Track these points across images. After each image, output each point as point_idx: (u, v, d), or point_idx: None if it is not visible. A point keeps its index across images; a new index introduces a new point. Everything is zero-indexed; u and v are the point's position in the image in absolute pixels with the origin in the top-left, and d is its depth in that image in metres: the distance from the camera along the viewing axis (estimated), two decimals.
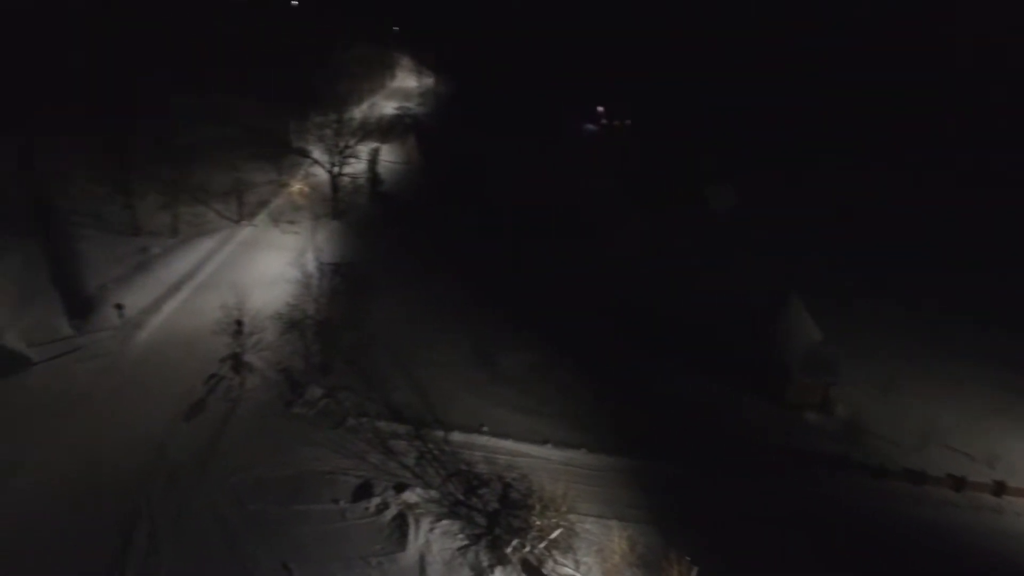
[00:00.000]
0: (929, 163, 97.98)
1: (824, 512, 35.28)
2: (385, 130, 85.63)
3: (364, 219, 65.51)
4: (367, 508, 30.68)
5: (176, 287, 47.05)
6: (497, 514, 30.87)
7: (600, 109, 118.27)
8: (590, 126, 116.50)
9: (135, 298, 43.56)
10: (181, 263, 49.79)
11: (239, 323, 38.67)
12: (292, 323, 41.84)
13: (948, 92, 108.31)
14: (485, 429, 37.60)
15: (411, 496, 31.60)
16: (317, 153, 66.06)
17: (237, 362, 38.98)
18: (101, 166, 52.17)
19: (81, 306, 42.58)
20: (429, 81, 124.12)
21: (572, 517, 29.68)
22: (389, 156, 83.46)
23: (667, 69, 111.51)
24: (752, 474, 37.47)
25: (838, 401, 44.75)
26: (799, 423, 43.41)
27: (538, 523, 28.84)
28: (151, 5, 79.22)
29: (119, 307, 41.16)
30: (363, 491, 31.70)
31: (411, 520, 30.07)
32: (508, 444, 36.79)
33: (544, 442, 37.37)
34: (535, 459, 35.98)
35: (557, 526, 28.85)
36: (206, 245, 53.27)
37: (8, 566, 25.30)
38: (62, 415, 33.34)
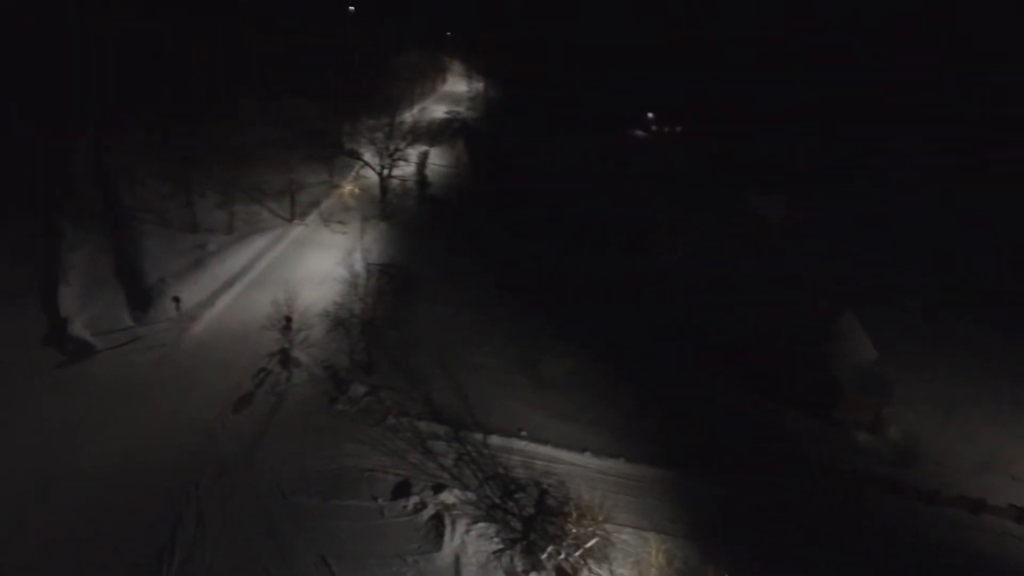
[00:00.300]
0: (996, 164, 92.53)
1: (871, 535, 33.97)
2: (435, 134, 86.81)
3: (412, 221, 66.45)
4: (405, 507, 31.08)
5: (230, 283, 48.65)
6: (533, 519, 30.83)
7: (650, 115, 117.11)
8: (639, 132, 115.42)
9: (191, 292, 45.23)
10: (235, 260, 51.47)
11: (288, 319, 39.75)
12: (339, 321, 42.78)
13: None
14: (524, 434, 37.59)
15: (448, 497, 31.86)
16: (368, 156, 67.38)
17: (285, 357, 40.11)
18: (166, 165, 54.50)
19: (141, 298, 44.44)
20: (479, 86, 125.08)
21: (609, 527, 29.41)
22: (438, 159, 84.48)
23: (719, 74, 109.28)
24: (796, 492, 36.36)
25: (891, 422, 43.04)
26: (848, 442, 41.91)
27: (574, 531, 28.68)
28: (217, 14, 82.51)
29: (176, 300, 42.83)
30: (402, 490, 32.15)
31: (448, 521, 30.32)
32: (546, 450, 36.68)
33: (583, 449, 37.12)
34: (573, 466, 35.78)
35: (593, 535, 28.62)
36: (259, 243, 54.96)
37: (69, 540, 26.64)
38: (122, 401, 34.92)
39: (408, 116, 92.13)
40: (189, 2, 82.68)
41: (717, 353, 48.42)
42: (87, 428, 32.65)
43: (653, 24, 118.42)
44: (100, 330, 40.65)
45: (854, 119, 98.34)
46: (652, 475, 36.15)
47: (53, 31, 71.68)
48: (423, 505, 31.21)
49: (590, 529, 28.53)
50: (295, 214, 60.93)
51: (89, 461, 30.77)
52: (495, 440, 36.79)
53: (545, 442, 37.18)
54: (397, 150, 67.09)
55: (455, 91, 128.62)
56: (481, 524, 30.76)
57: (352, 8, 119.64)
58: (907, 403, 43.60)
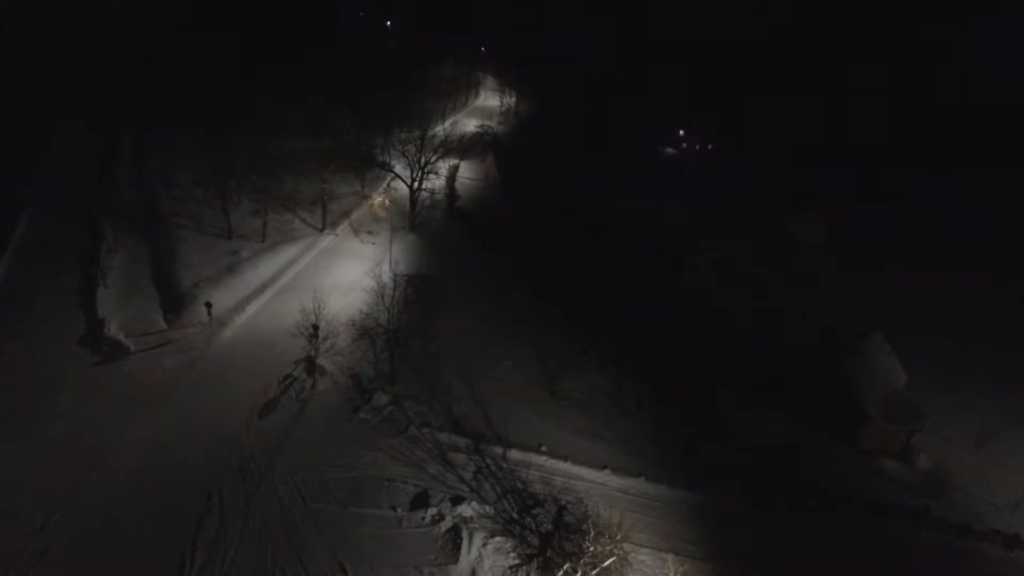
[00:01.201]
0: None
1: (897, 568, 32.94)
2: (465, 147, 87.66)
3: (440, 233, 67.16)
4: (423, 517, 31.21)
5: (261, 289, 49.70)
6: (550, 536, 30.63)
7: (681, 132, 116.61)
8: (670, 149, 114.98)
9: (223, 297, 46.28)
10: (267, 267, 52.59)
11: (315, 327, 40.41)
12: (364, 330, 43.37)
13: None
14: (544, 449, 37.51)
15: (467, 510, 31.91)
16: (399, 168, 68.43)
17: (310, 365, 40.76)
18: (203, 172, 56.14)
19: (175, 302, 45.62)
20: (511, 100, 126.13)
21: (627, 546, 29.04)
22: (468, 173, 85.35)
23: (754, 89, 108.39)
24: (820, 519, 35.54)
25: (921, 450, 41.81)
26: (874, 470, 40.87)
27: (591, 549, 28.38)
28: (255, 25, 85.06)
29: (208, 305, 43.79)
30: (420, 500, 32.32)
31: (465, 534, 30.35)
32: (566, 466, 36.54)
33: (602, 467, 36.87)
34: (592, 483, 35.58)
35: (611, 554, 28.27)
36: (291, 251, 56.09)
37: (95, 537, 27.32)
38: (152, 402, 35.83)
39: (440, 129, 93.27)
40: (229, 13, 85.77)
41: (743, 374, 47.73)
42: (117, 427, 33.54)
43: (686, 40, 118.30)
44: (134, 332, 41.82)
45: (901, 135, 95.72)
46: (672, 496, 35.73)
47: (98, 38, 75.03)
48: (441, 517, 31.30)
49: (608, 548, 28.21)
50: (326, 224, 62.07)
51: (117, 459, 31.58)
52: (515, 454, 36.77)
53: (565, 458, 37.03)
54: (428, 163, 68.01)
55: (487, 105, 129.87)
56: (498, 538, 30.72)
57: (389, 23, 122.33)
58: (939, 431, 42.30)
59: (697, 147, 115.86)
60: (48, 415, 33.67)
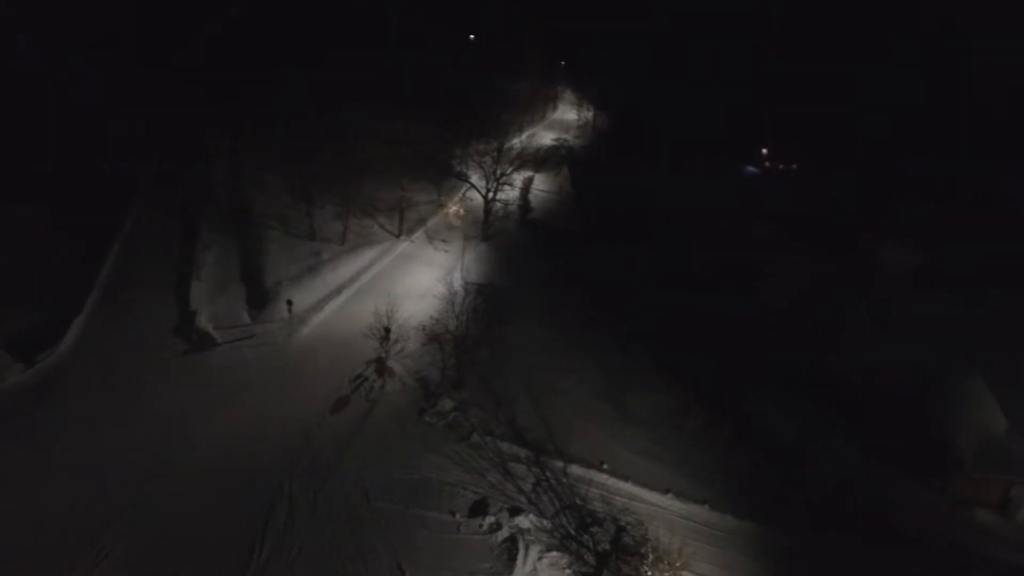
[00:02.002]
0: None
1: None
2: (541, 160, 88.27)
3: (512, 244, 67.76)
4: (481, 525, 31.39)
5: (338, 290, 51.63)
6: (607, 556, 30.12)
7: (764, 151, 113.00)
8: (751, 168, 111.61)
9: (303, 296, 48.40)
10: (346, 269, 54.61)
11: (387, 330, 41.56)
12: (433, 336, 44.28)
13: None
14: (605, 467, 36.98)
15: (524, 521, 31.85)
16: (475, 178, 69.66)
17: (381, 366, 41.95)
18: (291, 177, 59.06)
19: (259, 298, 48.10)
20: (589, 115, 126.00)
21: (685, 574, 28.21)
22: (542, 185, 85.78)
23: (846, 105, 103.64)
24: (898, 563, 33.28)
25: (1022, 504, 38.41)
26: (966, 520, 37.82)
27: (649, 574, 27.75)
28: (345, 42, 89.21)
29: (289, 303, 45.94)
30: (479, 508, 32.51)
31: (521, 545, 30.28)
32: (627, 486, 35.86)
33: (665, 491, 35.96)
34: (653, 507, 34.74)
35: None
36: (368, 255, 58.03)
37: (173, 519, 29.03)
38: (233, 393, 37.83)
39: (516, 141, 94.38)
40: (322, 30, 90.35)
41: (818, 403, 45.40)
42: (200, 414, 35.63)
43: (773, 58, 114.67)
44: (221, 324, 44.34)
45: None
46: (737, 526, 34.34)
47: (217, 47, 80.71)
48: (498, 526, 31.39)
49: (666, 574, 27.51)
50: (403, 230, 63.87)
51: (198, 445, 33.49)
52: (575, 470, 36.43)
53: (626, 478, 36.37)
54: (503, 174, 68.90)
55: (564, 119, 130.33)
56: (554, 553, 30.47)
57: (472, 36, 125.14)
58: None
59: (780, 166, 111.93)
60: (142, 396, 36.21)
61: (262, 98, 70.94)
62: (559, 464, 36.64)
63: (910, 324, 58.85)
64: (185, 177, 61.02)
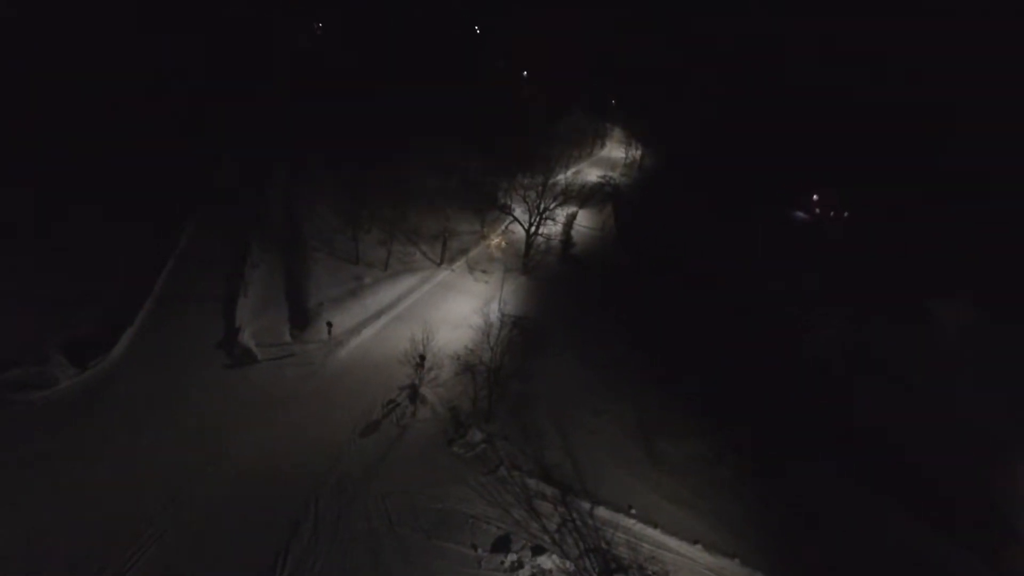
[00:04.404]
0: None
1: None
2: (585, 196, 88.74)
3: (551, 278, 67.87)
4: (502, 561, 30.96)
5: (377, 315, 52.50)
6: None
7: (815, 197, 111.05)
8: (800, 214, 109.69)
9: (343, 319, 49.36)
10: (386, 294, 55.55)
11: (422, 357, 41.97)
12: (467, 366, 44.44)
13: None
14: (633, 512, 36.12)
15: (547, 562, 31.26)
16: (519, 211, 70.42)
17: (413, 393, 42.26)
18: (339, 201, 60.80)
19: (301, 318, 49.20)
20: (636, 153, 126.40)
21: None
22: (585, 221, 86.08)
23: (902, 151, 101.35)
24: None
25: None
26: None
27: None
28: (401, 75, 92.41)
29: (329, 325, 46.89)
30: (502, 544, 32.09)
31: None
32: (655, 534, 34.90)
33: (695, 541, 34.82)
34: (681, 557, 33.67)
35: None
36: (409, 281, 58.97)
37: (200, 530, 29.56)
38: (269, 409, 38.59)
39: (562, 177, 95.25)
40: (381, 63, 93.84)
41: (863, 462, 43.54)
42: (236, 427, 36.42)
43: (826, 100, 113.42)
44: (263, 342, 45.49)
45: None
46: None
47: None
48: (520, 564, 30.88)
49: None
50: (444, 259, 64.82)
51: (230, 457, 34.17)
52: (602, 512, 35.69)
53: (655, 525, 35.41)
54: (547, 209, 69.51)
55: (612, 156, 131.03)
56: None
57: (525, 73, 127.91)
58: None
59: (832, 213, 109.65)
60: (182, 407, 37.28)
61: (321, 127, 73.80)
62: (586, 505, 35.96)
63: (965, 382, 56.31)
64: (243, 196, 63.44)
